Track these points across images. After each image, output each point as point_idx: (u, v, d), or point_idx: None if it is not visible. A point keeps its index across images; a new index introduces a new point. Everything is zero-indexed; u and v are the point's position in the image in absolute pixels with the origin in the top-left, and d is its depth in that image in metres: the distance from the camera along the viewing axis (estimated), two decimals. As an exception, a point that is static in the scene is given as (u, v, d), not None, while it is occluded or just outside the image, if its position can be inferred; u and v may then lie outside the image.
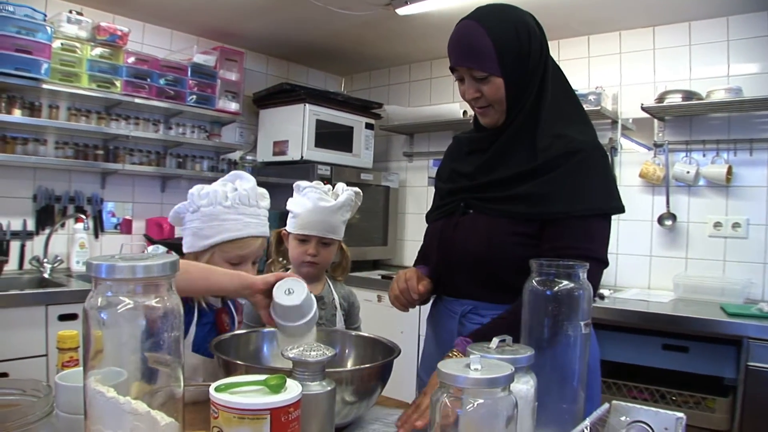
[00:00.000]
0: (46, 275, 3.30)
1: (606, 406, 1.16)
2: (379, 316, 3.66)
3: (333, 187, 1.98)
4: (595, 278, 1.44)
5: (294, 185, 1.98)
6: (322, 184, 1.95)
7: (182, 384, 0.86)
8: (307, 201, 1.91)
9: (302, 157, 4.03)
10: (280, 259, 2.10)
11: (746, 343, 2.49)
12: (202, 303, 1.58)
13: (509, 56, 1.48)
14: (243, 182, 1.62)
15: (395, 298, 1.65)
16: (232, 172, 1.66)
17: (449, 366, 0.88)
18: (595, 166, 1.50)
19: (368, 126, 4.50)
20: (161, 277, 0.82)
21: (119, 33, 3.43)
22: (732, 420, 2.56)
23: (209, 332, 1.56)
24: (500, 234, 1.51)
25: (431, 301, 1.80)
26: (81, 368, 0.89)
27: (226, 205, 1.57)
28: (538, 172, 1.49)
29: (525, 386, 1.00)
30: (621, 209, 1.51)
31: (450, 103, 4.24)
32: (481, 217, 1.57)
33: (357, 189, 1.99)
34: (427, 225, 1.82)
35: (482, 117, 1.59)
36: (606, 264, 1.49)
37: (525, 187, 1.50)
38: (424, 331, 3.51)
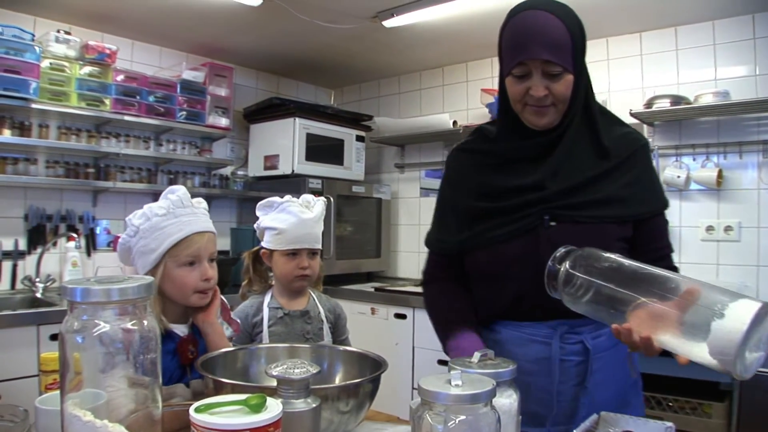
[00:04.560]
0: (38, 295, 3.28)
1: (594, 416, 1.15)
2: (373, 329, 3.66)
3: (299, 199, 2.00)
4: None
5: (261, 204, 2.00)
6: (291, 197, 1.98)
7: (160, 405, 0.85)
8: (289, 216, 1.93)
9: (293, 170, 4.03)
10: (260, 279, 2.12)
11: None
12: (161, 330, 1.54)
13: (579, 52, 1.42)
14: (174, 192, 1.61)
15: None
16: (164, 192, 1.63)
17: (430, 383, 0.87)
18: (652, 159, 1.57)
19: (359, 138, 4.50)
20: (137, 300, 0.81)
21: (107, 51, 3.43)
22: (729, 425, 2.55)
23: (170, 362, 1.53)
24: (607, 240, 1.42)
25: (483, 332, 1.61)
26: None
27: (162, 214, 1.55)
28: (618, 172, 1.48)
29: (508, 400, 0.99)
30: None
31: (440, 113, 4.25)
32: (574, 226, 1.45)
33: (323, 198, 2.04)
34: (463, 252, 1.60)
35: (538, 117, 1.45)
36: None
37: (611, 189, 1.46)
38: (418, 342, 3.53)
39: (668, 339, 1.08)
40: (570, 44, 1.38)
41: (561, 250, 1.26)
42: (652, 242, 1.51)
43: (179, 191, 1.60)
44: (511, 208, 1.50)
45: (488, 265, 1.54)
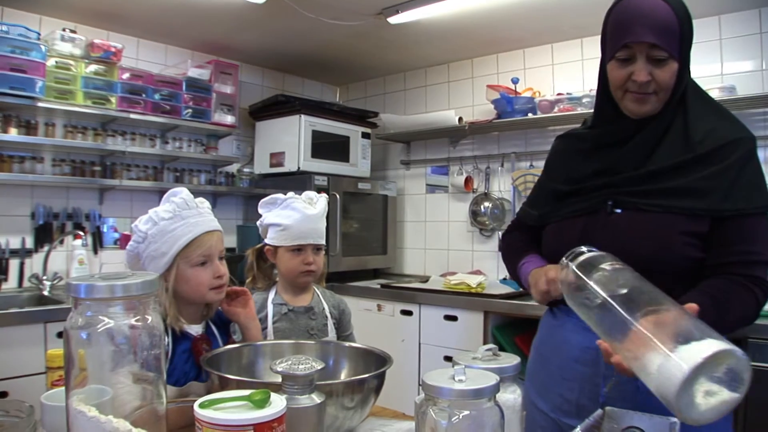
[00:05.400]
0: (45, 293, 3.30)
1: (599, 412, 1.15)
2: (380, 325, 3.66)
3: (301, 196, 2.02)
4: None
5: (264, 201, 2.02)
6: (293, 194, 1.99)
7: (165, 401, 0.85)
8: (294, 212, 1.94)
9: (299, 168, 4.03)
10: (264, 276, 2.12)
11: (748, 343, 2.47)
12: (176, 331, 1.56)
13: (687, 40, 1.38)
14: (177, 194, 1.62)
15: (544, 298, 1.48)
16: (165, 195, 1.64)
17: (434, 378, 0.87)
18: (757, 158, 1.44)
19: (365, 135, 4.50)
20: (141, 296, 0.82)
21: (113, 49, 3.44)
22: (735, 421, 2.54)
23: (185, 362, 1.54)
24: (671, 233, 1.36)
25: (545, 316, 1.66)
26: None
27: (168, 218, 1.56)
28: (702, 163, 1.38)
29: (512, 396, 0.99)
30: None
31: (446, 110, 4.24)
32: (639, 214, 1.41)
33: (325, 194, 2.07)
34: (539, 223, 1.65)
35: (639, 105, 1.42)
36: None
37: (686, 180, 1.38)
38: (424, 339, 3.53)
39: (637, 367, 1.02)
40: (678, 31, 1.36)
41: (579, 249, 1.22)
42: (739, 244, 1.37)
43: (182, 193, 1.61)
44: (580, 191, 1.52)
45: (554, 240, 1.56)
